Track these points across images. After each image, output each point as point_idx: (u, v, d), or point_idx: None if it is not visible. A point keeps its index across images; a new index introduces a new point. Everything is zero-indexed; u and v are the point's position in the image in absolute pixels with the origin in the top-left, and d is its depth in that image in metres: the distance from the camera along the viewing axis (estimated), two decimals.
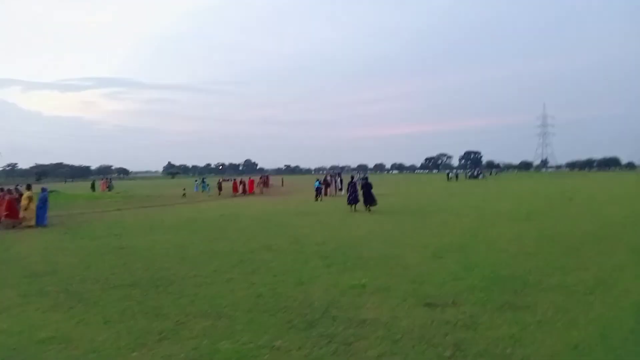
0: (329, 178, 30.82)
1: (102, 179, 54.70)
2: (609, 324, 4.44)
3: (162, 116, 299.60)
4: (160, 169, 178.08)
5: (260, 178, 41.02)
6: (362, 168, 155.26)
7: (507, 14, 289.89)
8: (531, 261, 7.41)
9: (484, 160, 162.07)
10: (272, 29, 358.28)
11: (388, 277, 6.55)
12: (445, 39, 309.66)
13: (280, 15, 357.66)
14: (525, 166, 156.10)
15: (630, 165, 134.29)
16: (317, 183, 25.85)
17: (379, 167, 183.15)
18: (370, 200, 17.28)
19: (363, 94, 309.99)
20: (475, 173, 71.54)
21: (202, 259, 8.34)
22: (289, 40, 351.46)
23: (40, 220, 14.84)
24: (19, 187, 20.37)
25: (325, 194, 27.12)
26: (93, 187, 45.10)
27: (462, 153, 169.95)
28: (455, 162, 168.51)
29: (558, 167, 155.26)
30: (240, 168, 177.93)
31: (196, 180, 44.64)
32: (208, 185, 38.12)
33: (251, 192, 34.65)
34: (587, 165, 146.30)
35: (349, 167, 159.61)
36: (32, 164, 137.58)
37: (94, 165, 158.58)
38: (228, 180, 46.67)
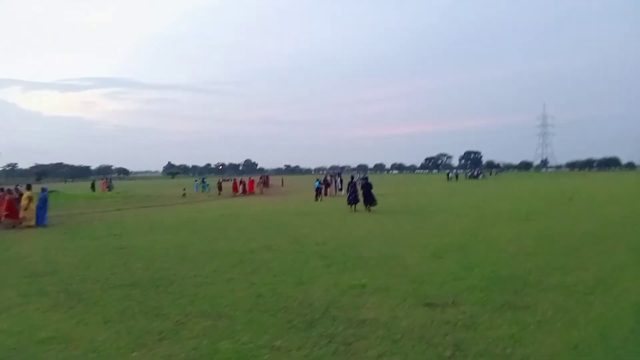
0: (329, 178, 30.82)
1: (102, 179, 54.71)
2: (609, 324, 4.44)
3: (162, 116, 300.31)
4: (160, 169, 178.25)
5: (260, 178, 41.01)
6: (362, 168, 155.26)
7: (507, 14, 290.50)
8: (531, 261, 7.41)
9: (484, 160, 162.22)
10: (272, 29, 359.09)
11: (388, 277, 6.55)
12: (445, 39, 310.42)
13: (280, 15, 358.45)
14: (525, 166, 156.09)
15: (630, 165, 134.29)
16: (317, 183, 25.85)
17: (379, 167, 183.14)
18: (370, 200, 17.28)
19: (363, 94, 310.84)
20: (475, 173, 71.52)
21: (202, 259, 8.34)
22: (289, 40, 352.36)
23: (40, 220, 14.84)
24: (19, 187, 20.37)
25: (325, 194, 27.12)
26: (93, 187, 45.11)
27: (462, 153, 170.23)
28: (455, 162, 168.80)
29: (558, 167, 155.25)
30: (240, 168, 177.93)
31: (196, 180, 44.63)
32: (208, 185, 38.13)
33: (251, 192, 34.64)
34: (587, 165, 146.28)
35: (349, 167, 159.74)
36: (32, 164, 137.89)
37: (94, 165, 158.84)
38: (228, 180, 46.66)
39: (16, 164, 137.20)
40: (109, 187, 45.58)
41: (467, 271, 6.77)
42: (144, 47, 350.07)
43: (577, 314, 4.76)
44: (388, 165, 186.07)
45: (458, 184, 46.97)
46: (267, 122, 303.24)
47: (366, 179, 18.99)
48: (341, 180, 29.73)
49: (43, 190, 16.01)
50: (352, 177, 24.06)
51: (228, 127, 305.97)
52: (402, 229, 12.08)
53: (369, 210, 17.03)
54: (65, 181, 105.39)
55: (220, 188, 34.57)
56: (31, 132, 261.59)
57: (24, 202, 14.92)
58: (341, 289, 5.90)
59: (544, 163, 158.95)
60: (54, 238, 11.89)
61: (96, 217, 18.02)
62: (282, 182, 52.75)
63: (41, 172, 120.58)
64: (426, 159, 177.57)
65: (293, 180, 69.29)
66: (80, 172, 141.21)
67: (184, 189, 34.28)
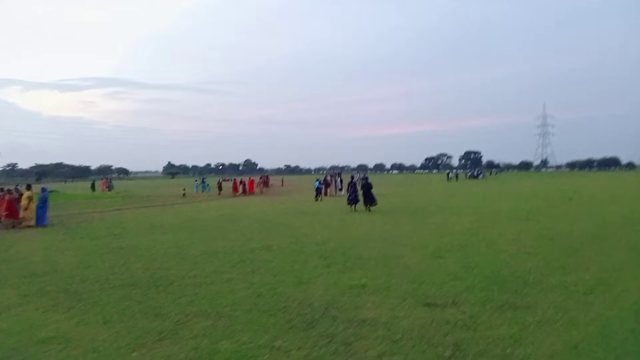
0: (329, 178, 30.81)
1: (102, 179, 54.73)
2: (609, 324, 4.44)
3: (162, 116, 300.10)
4: (160, 169, 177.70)
5: (260, 178, 40.99)
6: (362, 168, 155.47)
7: (507, 14, 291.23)
8: (531, 261, 7.41)
9: (484, 160, 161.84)
10: (272, 28, 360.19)
11: (388, 277, 6.54)
12: (445, 39, 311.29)
13: (280, 15, 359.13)
14: (525, 166, 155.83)
15: (630, 165, 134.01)
16: (317, 183, 25.85)
17: (379, 167, 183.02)
18: (370, 200, 17.27)
19: (363, 94, 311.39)
20: (475, 173, 71.46)
21: (202, 259, 8.34)
22: (289, 40, 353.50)
23: (40, 220, 14.85)
24: (19, 187, 20.38)
25: (325, 194, 27.12)
26: (93, 187, 45.16)
27: (462, 153, 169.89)
28: (455, 162, 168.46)
29: (558, 167, 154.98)
30: (240, 168, 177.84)
31: (196, 180, 44.67)
32: (208, 185, 38.16)
33: (251, 192, 34.64)
34: (587, 165, 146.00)
35: (349, 167, 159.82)
36: (32, 164, 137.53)
37: (94, 165, 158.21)
38: (228, 180, 46.71)
39: (16, 164, 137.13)
40: (109, 187, 45.59)
41: (467, 271, 6.77)
42: (144, 47, 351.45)
43: (577, 314, 4.76)
44: (388, 165, 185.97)
45: (458, 184, 46.96)
46: (267, 122, 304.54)
47: (366, 178, 18.98)
48: (341, 180, 29.71)
49: (43, 190, 16.01)
50: (352, 177, 24.07)
51: (228, 127, 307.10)
52: (402, 228, 12.07)
53: (369, 210, 17.03)
54: (65, 181, 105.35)
55: (220, 188, 34.59)
56: (31, 132, 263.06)
57: (24, 202, 14.92)
58: (341, 289, 5.90)
59: (544, 163, 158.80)
60: (54, 238, 11.89)
61: (96, 217, 18.01)
62: (282, 182, 52.78)
63: (41, 172, 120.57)
64: (426, 159, 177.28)
65: (293, 180, 69.28)
66: (80, 172, 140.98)
67: (184, 189, 34.29)
